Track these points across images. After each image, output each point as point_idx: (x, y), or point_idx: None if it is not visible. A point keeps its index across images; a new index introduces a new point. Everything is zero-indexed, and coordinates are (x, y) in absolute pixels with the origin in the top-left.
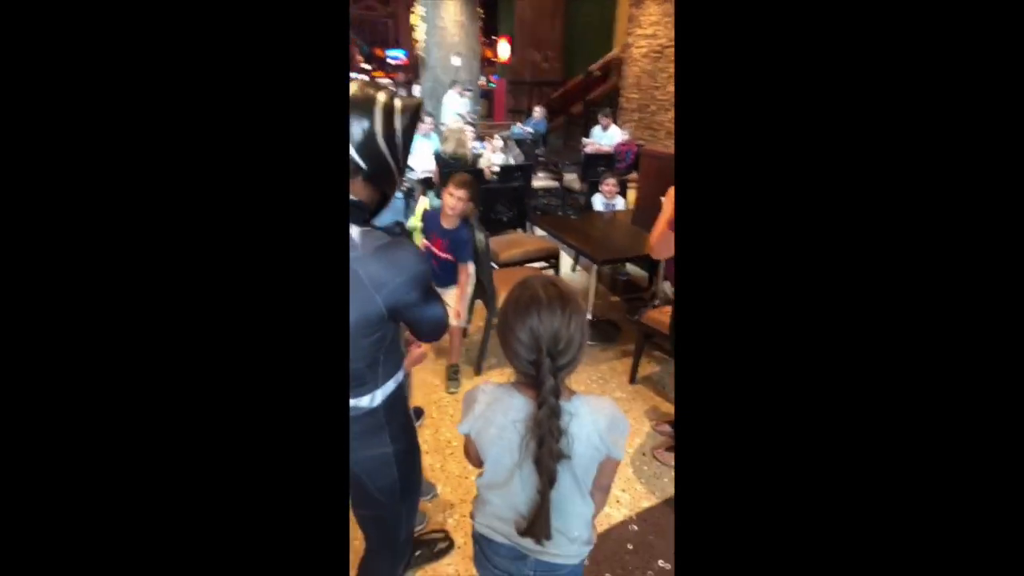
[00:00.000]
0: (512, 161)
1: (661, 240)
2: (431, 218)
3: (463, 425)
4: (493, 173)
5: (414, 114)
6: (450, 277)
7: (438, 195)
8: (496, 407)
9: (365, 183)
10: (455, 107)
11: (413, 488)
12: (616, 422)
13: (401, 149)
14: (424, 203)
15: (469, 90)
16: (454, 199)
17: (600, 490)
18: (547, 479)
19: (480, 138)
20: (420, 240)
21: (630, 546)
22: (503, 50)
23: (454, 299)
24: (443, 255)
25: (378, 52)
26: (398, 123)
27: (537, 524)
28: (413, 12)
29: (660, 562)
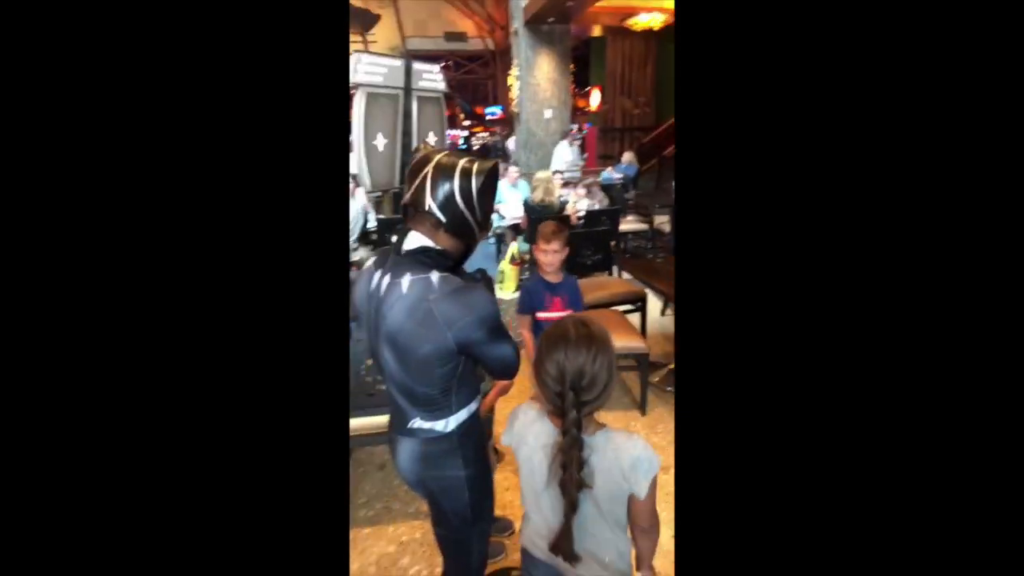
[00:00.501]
0: (597, 206)
1: None
2: (533, 289)
3: (504, 437)
4: (579, 218)
5: (488, 175)
6: None
7: (527, 239)
8: (530, 429)
9: (447, 234)
10: (565, 155)
11: (484, 515)
12: (639, 462)
13: (478, 206)
14: (513, 247)
15: (578, 139)
16: (549, 254)
17: (640, 532)
18: (569, 504)
19: (566, 184)
20: (509, 287)
21: None
22: (594, 99)
23: None
24: (564, 312)
25: (478, 110)
26: (474, 184)
27: (562, 544)
28: (509, 74)
29: None
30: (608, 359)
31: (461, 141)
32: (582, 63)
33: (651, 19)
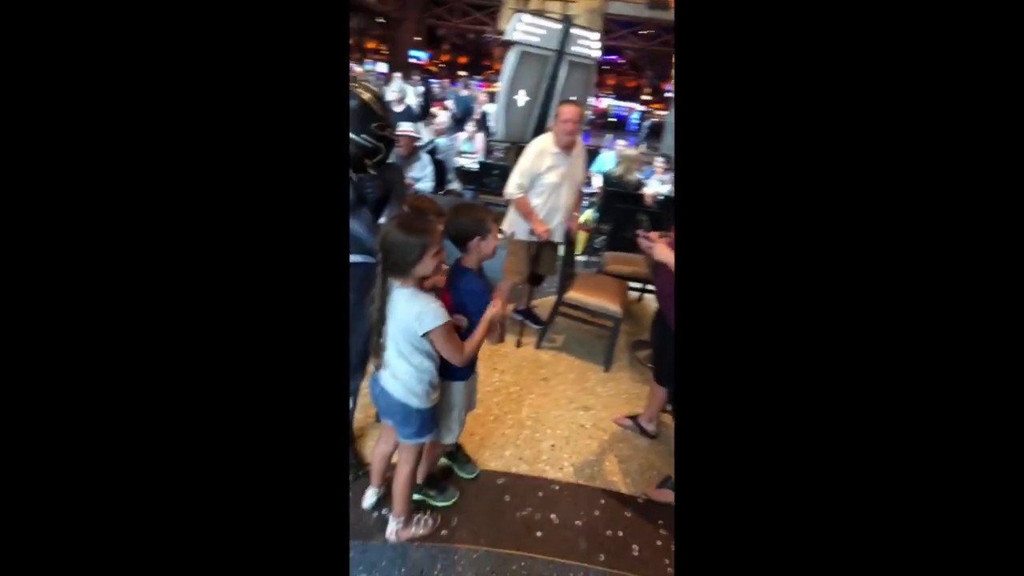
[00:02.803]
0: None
1: None
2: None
3: None
4: (655, 200)
5: None
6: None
7: (598, 210)
8: None
9: None
10: None
11: None
12: (424, 314)
13: None
14: (587, 214)
15: None
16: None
17: (445, 353)
18: (377, 332)
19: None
20: (578, 250)
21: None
22: None
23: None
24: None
25: (663, 85)
26: None
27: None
28: None
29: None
30: (398, 242)
31: (635, 116)
32: None
33: None
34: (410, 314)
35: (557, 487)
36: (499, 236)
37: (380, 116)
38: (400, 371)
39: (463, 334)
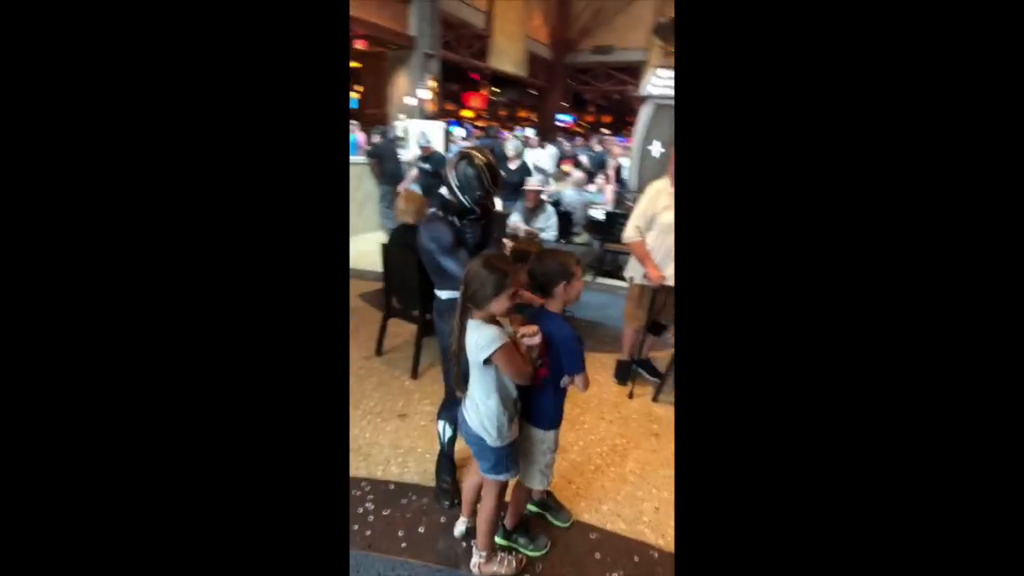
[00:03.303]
0: None
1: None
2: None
3: None
4: None
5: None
6: (551, 408)
7: None
8: None
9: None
10: None
11: None
12: (483, 341)
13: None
14: None
15: None
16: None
17: (509, 375)
18: (458, 362)
19: None
20: None
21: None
22: None
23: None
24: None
25: None
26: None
27: (458, 383)
28: None
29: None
30: (479, 275)
31: None
32: None
33: None
34: (472, 342)
35: (656, 554)
36: (584, 281)
37: (487, 187)
38: (478, 403)
39: (553, 377)
